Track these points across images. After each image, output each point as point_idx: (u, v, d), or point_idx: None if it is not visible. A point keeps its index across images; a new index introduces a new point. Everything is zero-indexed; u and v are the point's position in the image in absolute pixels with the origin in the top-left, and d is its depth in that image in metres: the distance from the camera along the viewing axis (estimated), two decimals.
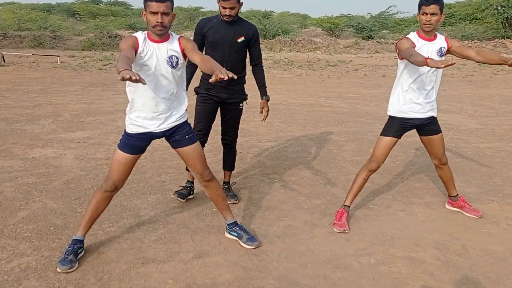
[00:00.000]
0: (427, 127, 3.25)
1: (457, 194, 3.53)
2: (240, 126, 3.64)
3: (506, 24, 25.31)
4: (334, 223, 3.20)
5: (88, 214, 2.72)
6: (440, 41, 3.06)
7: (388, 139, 3.20)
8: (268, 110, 3.64)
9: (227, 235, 3.02)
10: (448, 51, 3.08)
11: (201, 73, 3.47)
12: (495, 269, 2.72)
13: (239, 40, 3.33)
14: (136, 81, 1.97)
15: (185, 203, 3.56)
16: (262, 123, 6.31)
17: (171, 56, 2.55)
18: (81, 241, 2.72)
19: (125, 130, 2.68)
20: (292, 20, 30.46)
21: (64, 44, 18.52)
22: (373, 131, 6.19)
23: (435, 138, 3.28)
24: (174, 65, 2.57)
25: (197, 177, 2.87)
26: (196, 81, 3.47)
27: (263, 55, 16.10)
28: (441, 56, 3.06)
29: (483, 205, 3.68)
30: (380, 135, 3.25)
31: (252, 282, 2.52)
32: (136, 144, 2.66)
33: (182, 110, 2.76)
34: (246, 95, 3.57)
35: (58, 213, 3.31)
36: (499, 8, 24.68)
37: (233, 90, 3.43)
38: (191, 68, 3.46)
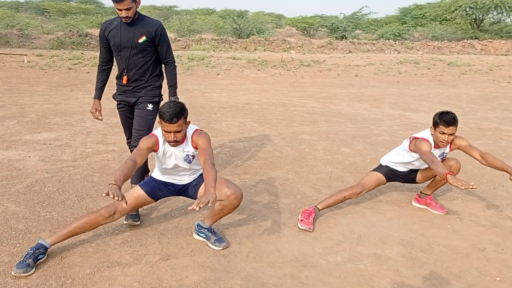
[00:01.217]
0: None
1: (430, 194, 3.61)
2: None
3: (475, 25, 26.11)
4: (301, 220, 3.20)
5: (70, 228, 2.70)
6: (445, 148, 3.40)
7: (378, 175, 3.53)
8: None
9: (195, 236, 2.99)
10: (453, 149, 3.42)
11: (115, 79, 3.40)
12: (458, 264, 2.79)
13: (140, 41, 3.17)
14: (118, 201, 2.24)
15: (153, 205, 3.51)
16: (234, 123, 6.28)
17: (187, 155, 2.83)
18: (46, 248, 2.63)
19: (151, 175, 3.02)
20: (267, 20, 30.53)
21: (32, 43, 17.96)
22: (345, 130, 6.26)
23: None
24: (190, 161, 2.86)
25: (226, 197, 2.74)
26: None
27: (237, 55, 16.09)
28: (442, 158, 3.42)
29: (448, 202, 3.77)
30: (371, 170, 3.62)
31: (219, 283, 2.50)
32: (155, 187, 2.93)
33: (199, 172, 3.01)
34: (159, 96, 3.40)
35: (20, 217, 3.20)
36: (467, 9, 25.40)
37: (140, 93, 3.31)
38: (102, 75, 3.42)
